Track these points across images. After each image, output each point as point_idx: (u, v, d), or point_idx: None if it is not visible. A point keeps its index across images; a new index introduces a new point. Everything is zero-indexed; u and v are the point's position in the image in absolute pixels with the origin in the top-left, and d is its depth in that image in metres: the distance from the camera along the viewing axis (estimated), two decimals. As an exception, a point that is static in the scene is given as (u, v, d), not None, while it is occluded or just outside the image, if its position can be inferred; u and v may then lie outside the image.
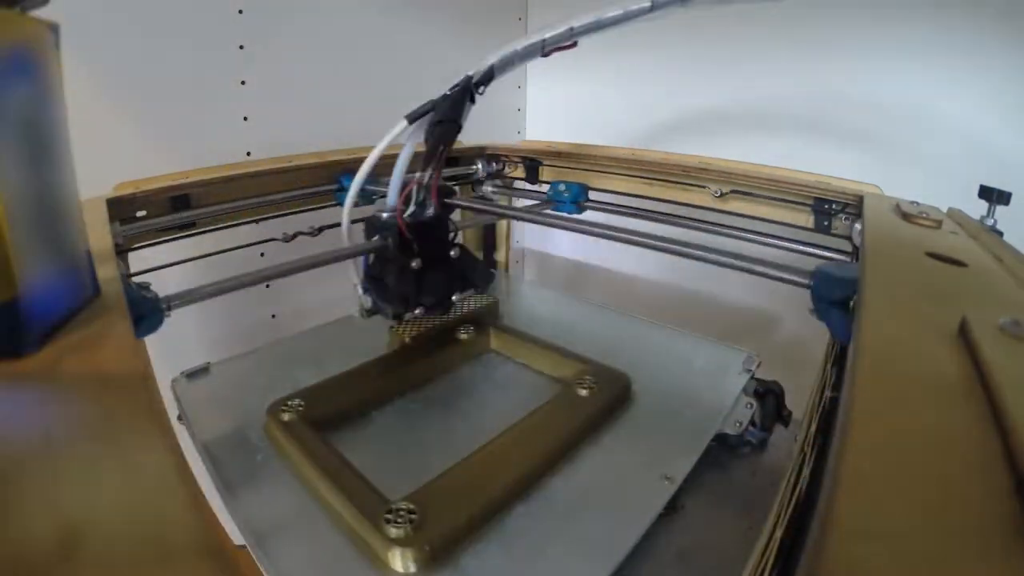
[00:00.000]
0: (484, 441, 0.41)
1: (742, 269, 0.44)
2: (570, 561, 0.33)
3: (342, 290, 0.76)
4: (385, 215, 0.52)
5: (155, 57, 0.69)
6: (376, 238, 0.52)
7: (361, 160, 0.54)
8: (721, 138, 0.94)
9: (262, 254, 0.75)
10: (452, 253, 0.55)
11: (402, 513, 0.33)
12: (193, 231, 0.61)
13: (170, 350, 0.59)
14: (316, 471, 0.38)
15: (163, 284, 0.43)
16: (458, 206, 0.61)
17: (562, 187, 0.78)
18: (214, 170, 0.61)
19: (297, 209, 0.71)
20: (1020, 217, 0.50)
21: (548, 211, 0.75)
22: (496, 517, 0.36)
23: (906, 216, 0.45)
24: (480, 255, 0.96)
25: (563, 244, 1.23)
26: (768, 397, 0.49)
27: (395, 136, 0.52)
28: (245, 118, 0.78)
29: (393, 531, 0.33)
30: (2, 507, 0.13)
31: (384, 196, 0.55)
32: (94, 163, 0.36)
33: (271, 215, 0.67)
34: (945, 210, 0.50)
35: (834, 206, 0.58)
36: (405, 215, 0.51)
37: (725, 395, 0.49)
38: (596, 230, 0.50)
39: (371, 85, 0.91)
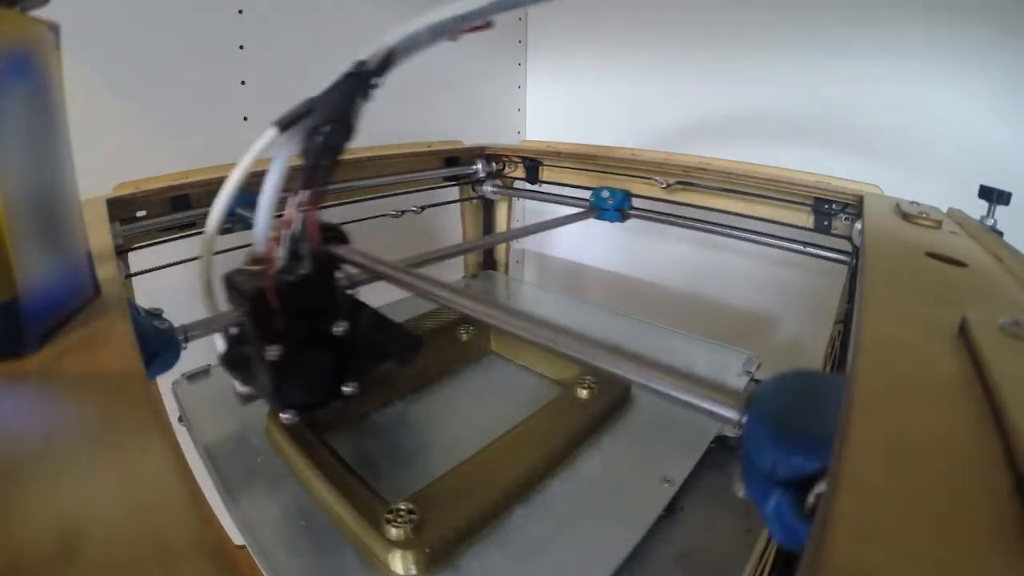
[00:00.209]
0: (484, 443, 0.41)
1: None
2: (570, 563, 0.33)
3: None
4: (238, 277, 0.37)
5: (155, 57, 0.69)
6: (232, 308, 0.38)
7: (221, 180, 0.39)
8: (722, 138, 0.94)
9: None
10: (336, 330, 0.39)
11: (402, 514, 0.33)
12: (193, 231, 0.61)
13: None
14: (316, 473, 0.38)
15: (165, 284, 0.43)
16: (345, 261, 0.40)
17: (605, 193, 0.72)
18: (214, 170, 0.61)
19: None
20: (1020, 217, 0.50)
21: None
22: (496, 519, 0.36)
23: (906, 216, 0.45)
24: (481, 260, 0.96)
25: (563, 245, 1.23)
26: None
27: (261, 150, 0.37)
28: (245, 118, 0.78)
29: (393, 533, 0.33)
30: (2, 507, 0.13)
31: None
32: (94, 163, 0.36)
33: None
34: (945, 210, 0.50)
35: (834, 206, 0.58)
36: (275, 270, 0.37)
37: None
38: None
39: (371, 85, 0.91)
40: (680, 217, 0.70)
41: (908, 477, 0.14)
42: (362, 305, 0.42)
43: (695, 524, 0.41)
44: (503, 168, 0.87)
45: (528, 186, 0.87)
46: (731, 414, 0.22)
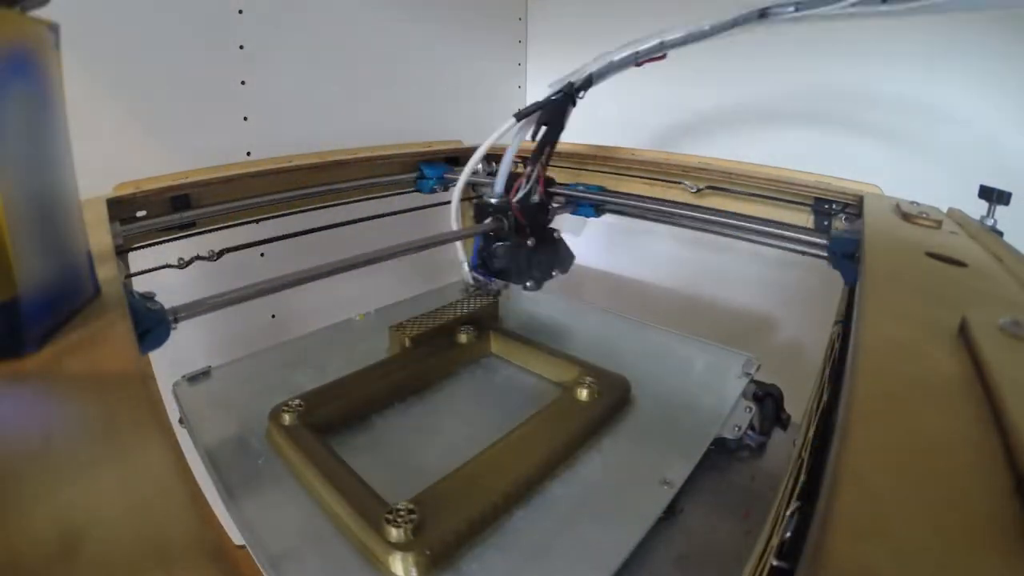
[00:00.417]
0: (484, 445, 0.41)
1: (759, 242, 0.56)
2: (570, 565, 0.33)
3: (340, 294, 0.76)
4: (494, 201, 0.59)
5: (155, 57, 0.69)
6: (489, 220, 0.59)
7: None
8: (722, 138, 0.94)
9: (262, 254, 0.75)
10: (555, 235, 0.64)
11: (402, 516, 0.33)
12: (193, 231, 0.61)
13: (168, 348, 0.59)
14: (317, 475, 0.38)
15: (168, 284, 0.43)
16: (559, 194, 0.75)
17: (581, 188, 0.78)
18: (214, 170, 0.61)
19: (296, 209, 0.71)
20: (1020, 217, 0.50)
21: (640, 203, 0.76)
22: (496, 521, 0.36)
23: (906, 216, 0.45)
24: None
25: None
26: (767, 400, 0.49)
27: (504, 131, 0.59)
28: (245, 118, 0.78)
29: (394, 535, 0.33)
30: (2, 507, 0.13)
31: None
32: (94, 163, 0.36)
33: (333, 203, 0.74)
34: (945, 210, 0.50)
35: (834, 206, 0.58)
36: (515, 201, 0.58)
37: (724, 399, 0.49)
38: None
39: (371, 85, 0.91)
40: (679, 217, 0.70)
41: (908, 477, 0.14)
42: (560, 235, 0.65)
43: (694, 526, 0.41)
44: (503, 168, 0.88)
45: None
46: (822, 240, 0.52)
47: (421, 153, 0.80)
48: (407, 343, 0.56)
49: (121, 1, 0.65)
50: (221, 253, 0.61)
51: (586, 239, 1.17)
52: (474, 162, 0.61)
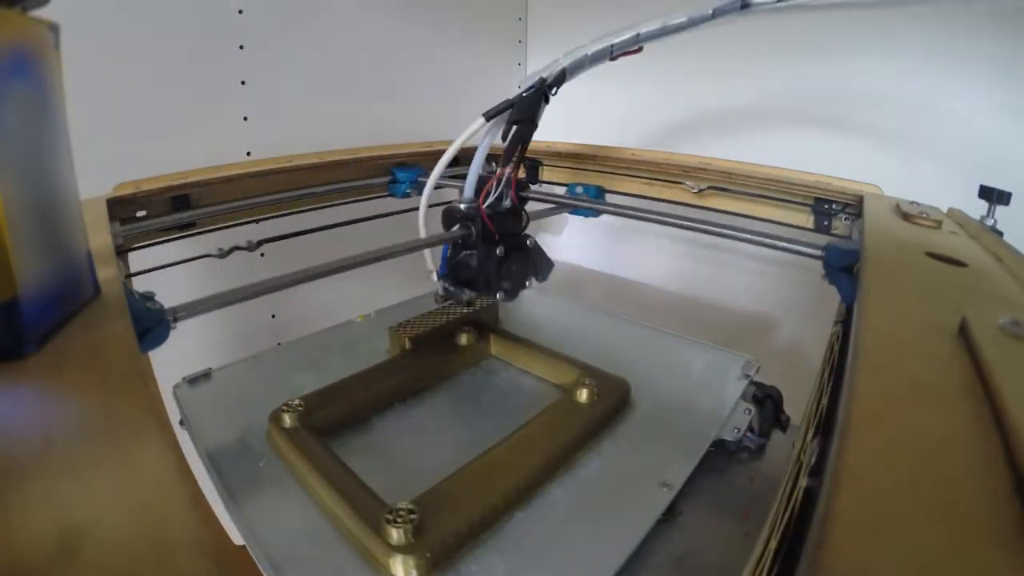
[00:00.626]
0: (484, 447, 0.41)
1: (757, 243, 0.53)
2: (569, 567, 0.33)
3: (341, 294, 0.76)
4: (464, 206, 0.55)
5: (155, 57, 0.69)
6: (457, 227, 0.55)
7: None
8: (723, 138, 0.94)
9: (262, 255, 0.75)
10: (528, 243, 0.60)
11: (402, 516, 0.33)
12: (193, 231, 0.61)
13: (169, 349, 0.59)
14: (317, 477, 0.38)
15: (167, 284, 0.43)
16: (532, 198, 0.71)
17: (579, 189, 0.77)
18: (214, 170, 0.62)
19: (297, 209, 0.71)
20: (1020, 217, 0.50)
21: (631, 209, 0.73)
22: (496, 523, 0.36)
23: (906, 216, 0.45)
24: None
25: (563, 248, 1.23)
26: (767, 402, 0.49)
27: (472, 132, 0.55)
28: (245, 118, 0.78)
29: (394, 537, 0.33)
30: (2, 507, 0.13)
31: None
32: (94, 163, 0.36)
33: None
34: (945, 210, 0.50)
35: (834, 206, 0.58)
36: (485, 206, 0.54)
37: (724, 400, 0.49)
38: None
39: (371, 85, 0.91)
40: (679, 217, 0.70)
41: (908, 477, 0.14)
42: (534, 241, 0.60)
43: (694, 528, 0.41)
44: (503, 168, 0.88)
45: (528, 188, 0.87)
46: (815, 251, 0.45)
47: (421, 153, 0.80)
48: (407, 344, 0.56)
49: (122, 1, 0.65)
50: (260, 243, 0.63)
51: (585, 240, 1.18)
52: (441, 167, 0.55)
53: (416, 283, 0.83)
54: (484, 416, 0.50)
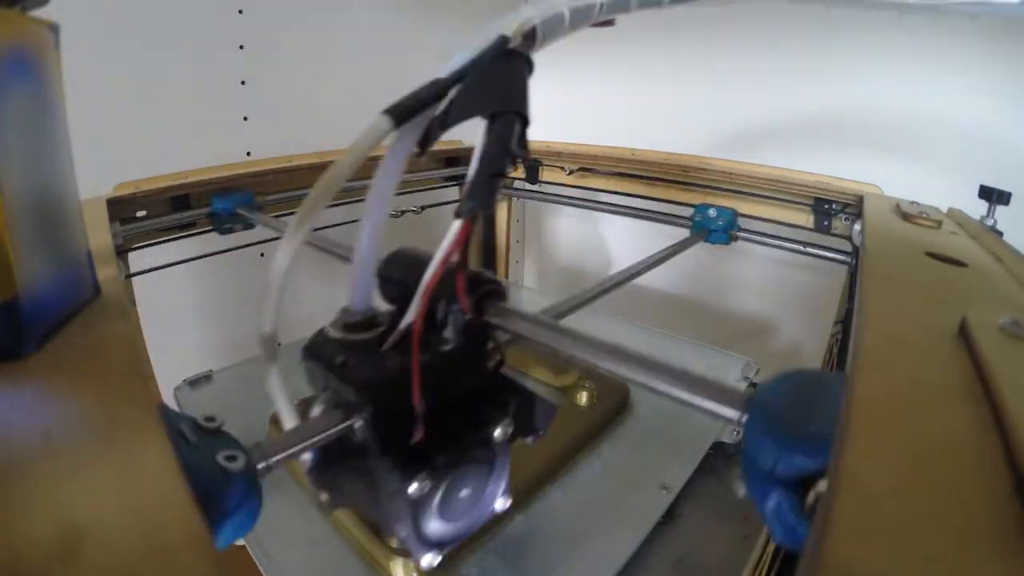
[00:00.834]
0: None
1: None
2: (569, 569, 0.34)
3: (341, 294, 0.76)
4: (334, 351, 0.26)
5: (155, 57, 0.69)
6: (316, 413, 0.26)
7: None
8: (723, 138, 0.94)
9: (262, 254, 0.75)
10: (496, 433, 0.27)
11: None
12: (193, 231, 0.61)
13: (168, 346, 0.59)
14: None
15: (167, 283, 0.43)
16: (504, 331, 0.28)
17: (712, 212, 0.66)
18: (214, 170, 0.62)
19: (297, 209, 0.71)
20: (1020, 217, 0.50)
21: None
22: (497, 526, 0.36)
23: (906, 216, 0.45)
24: (480, 261, 0.95)
25: (563, 250, 1.23)
26: None
27: (372, 141, 0.24)
28: (245, 118, 0.78)
29: (395, 540, 0.33)
30: (2, 507, 0.13)
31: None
32: (94, 163, 0.36)
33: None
34: (945, 210, 0.50)
35: (834, 206, 0.58)
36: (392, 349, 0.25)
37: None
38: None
39: (371, 84, 0.91)
40: (680, 217, 0.70)
41: (908, 477, 0.14)
42: (512, 383, 0.29)
43: (693, 530, 0.41)
44: (503, 168, 0.87)
45: (528, 186, 0.87)
46: (731, 414, 0.21)
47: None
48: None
49: (122, 1, 0.65)
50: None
51: (585, 241, 1.18)
52: (305, 214, 0.24)
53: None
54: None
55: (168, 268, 0.59)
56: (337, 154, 0.23)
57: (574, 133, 0.86)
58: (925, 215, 0.44)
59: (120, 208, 0.53)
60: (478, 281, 0.26)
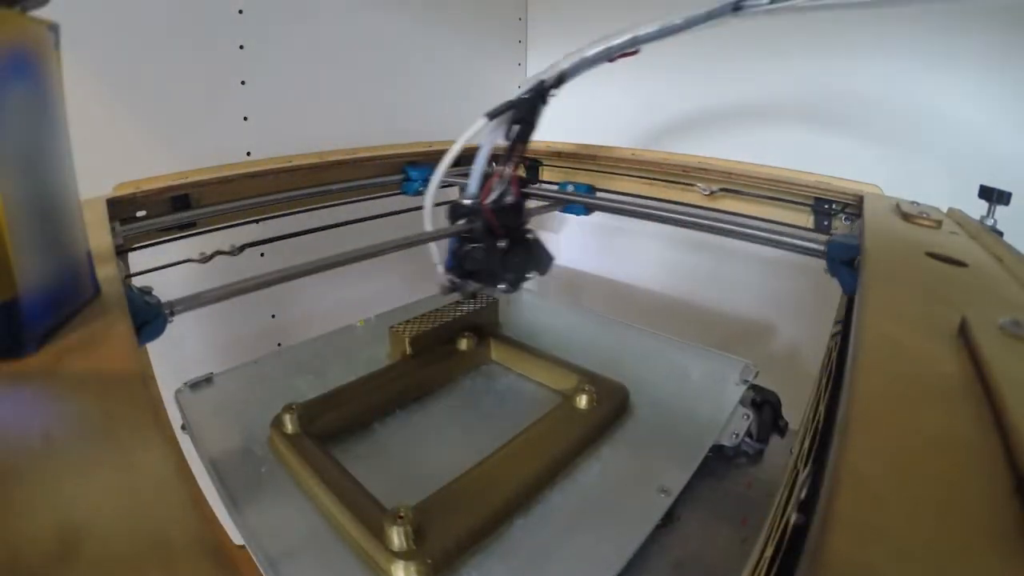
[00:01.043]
0: (485, 453, 0.41)
1: (759, 240, 0.54)
2: (569, 572, 0.34)
3: (341, 295, 0.76)
4: (468, 202, 0.58)
5: (155, 57, 0.69)
6: (462, 222, 0.58)
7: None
8: (723, 137, 0.94)
9: (262, 254, 0.75)
10: (529, 236, 0.61)
11: (403, 522, 0.33)
12: (193, 231, 0.61)
13: (168, 347, 0.58)
14: (319, 483, 0.38)
15: (166, 284, 0.43)
16: (534, 195, 0.77)
17: (570, 188, 0.79)
18: (214, 170, 0.62)
19: (297, 209, 0.71)
20: (1020, 217, 0.50)
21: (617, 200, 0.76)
22: (497, 529, 0.36)
23: (906, 216, 0.45)
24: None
25: (562, 251, 1.23)
26: (765, 408, 0.49)
27: (476, 131, 0.56)
28: (245, 118, 0.78)
29: (395, 543, 0.33)
30: (2, 507, 0.13)
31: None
32: (94, 163, 0.36)
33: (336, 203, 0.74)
34: (945, 210, 0.50)
35: (834, 206, 0.58)
36: (488, 202, 0.57)
37: (722, 406, 0.49)
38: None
39: (371, 85, 0.91)
40: (675, 217, 0.70)
41: (908, 477, 0.14)
42: (536, 239, 0.63)
43: (692, 533, 0.41)
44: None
45: (528, 186, 0.87)
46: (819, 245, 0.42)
47: (421, 153, 0.80)
48: (407, 345, 0.56)
49: (122, 1, 0.65)
50: (243, 247, 0.62)
51: (584, 243, 1.18)
52: (445, 164, 0.57)
53: (417, 285, 0.83)
54: (484, 421, 0.50)
55: (168, 268, 0.59)
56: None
57: (574, 133, 0.86)
58: (925, 215, 0.44)
59: (120, 208, 0.53)
60: (523, 181, 0.63)
